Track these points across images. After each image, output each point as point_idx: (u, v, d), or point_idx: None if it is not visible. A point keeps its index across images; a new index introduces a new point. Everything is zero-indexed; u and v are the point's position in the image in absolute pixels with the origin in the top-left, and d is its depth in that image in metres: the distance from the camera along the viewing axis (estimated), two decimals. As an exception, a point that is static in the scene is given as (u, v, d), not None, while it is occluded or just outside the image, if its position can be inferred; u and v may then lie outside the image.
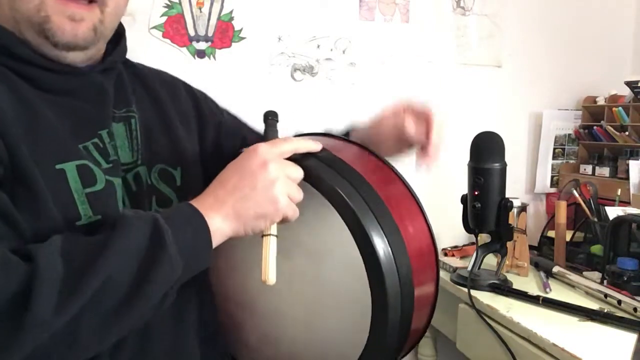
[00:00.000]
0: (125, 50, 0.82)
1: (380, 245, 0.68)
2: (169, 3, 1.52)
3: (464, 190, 1.31)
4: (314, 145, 0.73)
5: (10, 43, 0.67)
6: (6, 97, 0.64)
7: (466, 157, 1.28)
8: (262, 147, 0.68)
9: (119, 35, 0.79)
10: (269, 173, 0.66)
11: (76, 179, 0.66)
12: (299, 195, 0.69)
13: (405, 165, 0.87)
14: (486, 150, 1.25)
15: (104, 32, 0.72)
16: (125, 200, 0.73)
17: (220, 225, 0.65)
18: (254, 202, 0.66)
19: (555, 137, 1.90)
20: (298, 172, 0.69)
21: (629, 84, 1.66)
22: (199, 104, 0.92)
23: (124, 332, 0.61)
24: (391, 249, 0.69)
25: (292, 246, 0.76)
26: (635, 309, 1.10)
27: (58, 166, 0.65)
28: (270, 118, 0.79)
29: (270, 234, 0.69)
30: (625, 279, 1.23)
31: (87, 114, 0.72)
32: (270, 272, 0.67)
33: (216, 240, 0.65)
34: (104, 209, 0.68)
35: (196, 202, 0.65)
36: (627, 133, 1.69)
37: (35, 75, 0.68)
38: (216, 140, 0.92)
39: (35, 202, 0.62)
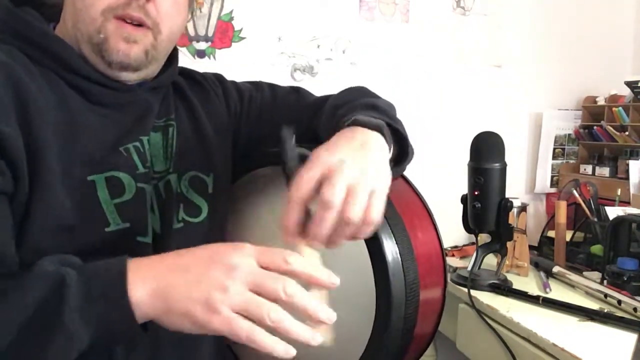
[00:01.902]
0: (175, 72, 0.85)
1: (390, 249, 0.69)
2: (169, 3, 1.52)
3: (464, 190, 1.31)
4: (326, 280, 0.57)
5: (70, 57, 0.71)
6: (53, 109, 0.67)
7: (466, 157, 1.28)
8: (247, 251, 0.55)
9: (172, 57, 0.82)
10: (227, 278, 0.53)
11: (104, 191, 0.69)
12: (285, 322, 0.53)
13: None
14: (486, 150, 1.25)
15: (156, 56, 0.75)
16: (155, 208, 0.75)
17: (142, 300, 0.54)
18: (187, 295, 0.53)
19: (555, 137, 1.90)
20: (280, 285, 0.54)
21: (629, 84, 1.66)
22: (229, 103, 0.91)
23: None
24: (400, 253, 0.69)
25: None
26: (635, 309, 1.10)
27: (90, 178, 0.68)
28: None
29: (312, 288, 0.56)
30: (625, 279, 1.23)
31: (131, 125, 0.75)
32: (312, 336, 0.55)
33: (140, 313, 0.54)
34: (132, 217, 0.71)
35: (138, 261, 0.56)
36: (627, 133, 1.69)
37: (88, 89, 0.72)
38: (250, 131, 0.91)
39: (51, 215, 0.64)
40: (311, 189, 0.59)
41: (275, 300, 0.53)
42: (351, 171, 0.60)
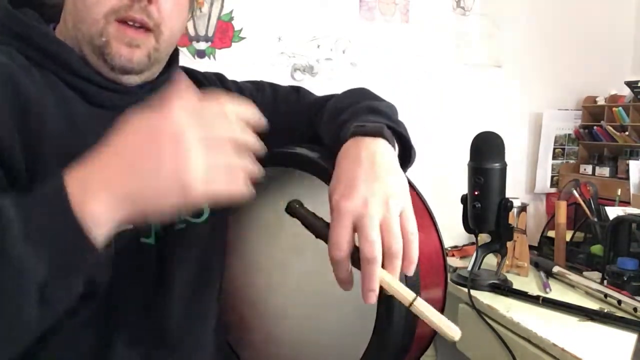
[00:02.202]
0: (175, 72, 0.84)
1: None
2: (169, 3, 1.52)
3: (464, 190, 1.31)
4: (253, 114, 0.57)
5: (70, 58, 0.70)
6: (53, 111, 0.66)
7: (466, 157, 1.29)
8: (177, 110, 0.52)
9: (173, 57, 0.82)
10: (181, 149, 0.50)
11: None
12: (241, 162, 0.54)
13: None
14: (486, 150, 1.25)
15: (158, 58, 0.75)
16: None
17: (105, 213, 0.49)
18: (155, 188, 0.50)
19: (555, 137, 1.90)
20: (233, 131, 0.54)
21: (629, 84, 1.66)
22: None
23: None
24: None
25: (304, 244, 0.76)
26: (635, 309, 1.10)
27: None
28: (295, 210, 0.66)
29: (412, 301, 0.59)
30: (625, 279, 1.23)
31: None
32: (451, 329, 0.58)
33: (102, 229, 0.50)
34: None
35: (78, 174, 0.51)
36: (627, 133, 1.69)
37: (88, 90, 0.71)
38: None
39: None
40: (348, 242, 0.60)
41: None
42: (377, 208, 0.60)
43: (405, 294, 0.59)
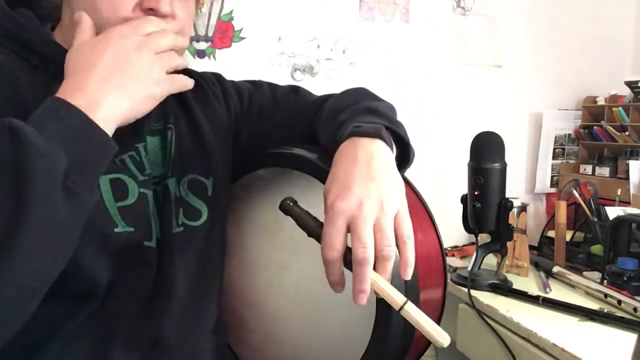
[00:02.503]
0: None
1: None
2: (168, 3, 1.52)
3: (464, 190, 1.31)
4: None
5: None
6: None
7: (466, 157, 1.28)
8: (125, 29, 0.64)
9: None
10: (145, 54, 0.63)
11: (109, 192, 0.68)
12: (179, 61, 0.67)
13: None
14: (486, 150, 1.25)
15: None
16: (155, 212, 0.74)
17: (111, 113, 0.59)
18: (139, 83, 0.62)
19: (555, 137, 1.90)
20: (167, 40, 0.66)
21: (629, 84, 1.66)
22: (229, 103, 0.90)
23: (30, 271, 0.53)
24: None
25: (302, 245, 0.76)
26: (635, 309, 1.10)
27: None
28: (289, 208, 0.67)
29: (402, 305, 0.59)
30: (625, 279, 1.23)
31: (128, 129, 0.72)
32: (440, 335, 0.59)
33: (110, 127, 0.60)
34: (136, 222, 0.70)
35: (70, 93, 0.58)
36: (627, 133, 1.69)
37: None
38: (250, 133, 0.91)
39: None
40: (341, 242, 0.60)
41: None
42: (372, 209, 0.60)
43: (395, 297, 0.59)
